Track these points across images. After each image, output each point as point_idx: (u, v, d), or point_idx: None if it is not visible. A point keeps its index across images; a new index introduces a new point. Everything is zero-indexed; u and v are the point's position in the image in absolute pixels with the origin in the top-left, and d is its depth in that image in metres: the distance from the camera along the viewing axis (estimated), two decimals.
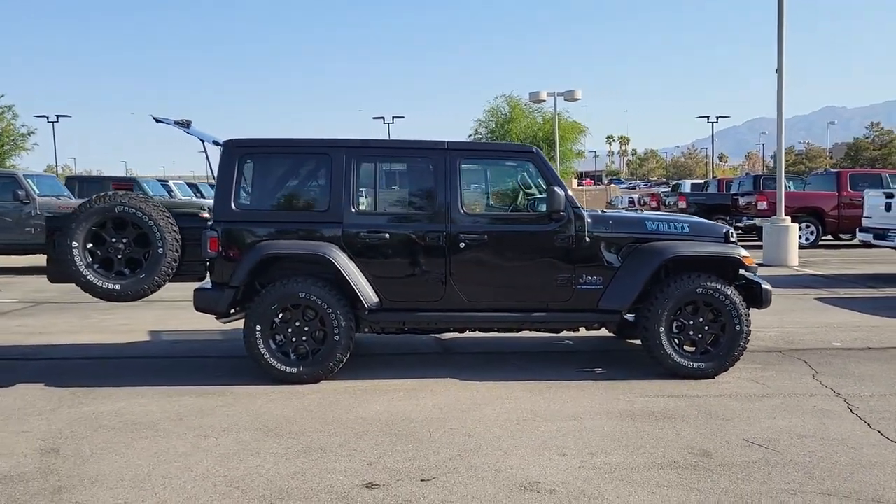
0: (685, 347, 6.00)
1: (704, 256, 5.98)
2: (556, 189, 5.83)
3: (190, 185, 22.63)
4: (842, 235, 19.72)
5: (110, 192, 5.80)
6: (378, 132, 49.11)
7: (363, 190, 6.02)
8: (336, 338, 5.77)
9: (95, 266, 5.73)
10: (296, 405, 5.30)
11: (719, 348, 5.95)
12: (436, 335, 7.50)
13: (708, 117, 47.47)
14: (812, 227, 18.51)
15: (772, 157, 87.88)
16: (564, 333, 7.37)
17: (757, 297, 6.07)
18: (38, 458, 4.29)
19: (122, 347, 7.35)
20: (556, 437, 4.60)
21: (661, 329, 5.90)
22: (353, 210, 5.90)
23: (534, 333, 6.92)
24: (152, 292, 5.87)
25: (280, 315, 5.81)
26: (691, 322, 5.97)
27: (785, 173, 16.29)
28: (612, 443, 4.50)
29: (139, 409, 5.22)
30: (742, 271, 6.20)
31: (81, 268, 5.65)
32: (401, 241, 5.91)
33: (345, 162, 5.91)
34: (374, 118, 47.65)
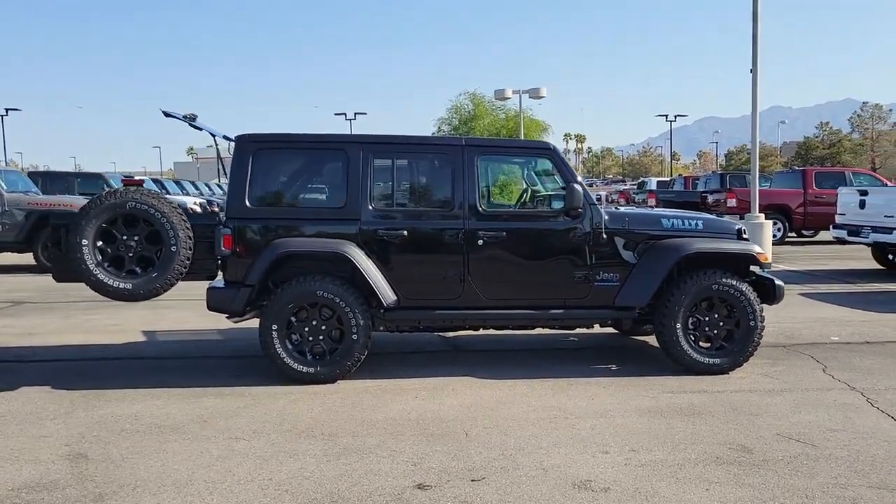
0: (700, 343, 6.04)
1: (722, 253, 6.04)
2: (576, 186, 5.82)
3: (155, 181, 22.14)
4: (805, 232, 20.18)
5: (121, 188, 5.61)
6: (339, 129, 48.68)
7: (380, 187, 5.92)
8: (354, 337, 5.68)
9: (105, 265, 5.54)
10: (320, 406, 5.20)
11: (734, 344, 6.01)
12: (440, 333, 7.44)
13: (666, 116, 48.19)
14: (779, 224, 18.88)
15: (725, 156, 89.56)
16: (566, 331, 7.41)
17: (769, 293, 6.14)
18: (67, 464, 4.13)
19: (119, 348, 7.14)
20: (592, 435, 4.59)
21: (678, 325, 5.94)
22: (371, 207, 5.81)
23: (540, 331, 6.91)
24: (164, 291, 5.70)
25: (296, 314, 5.70)
26: (706, 318, 6.02)
27: (737, 172, 16.57)
28: (650, 439, 4.51)
29: (159, 412, 5.07)
30: (753, 268, 6.27)
31: (91, 266, 5.46)
32: (419, 239, 5.84)
33: (361, 158, 5.82)
34: (336, 114, 47.23)
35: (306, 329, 5.72)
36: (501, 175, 6.52)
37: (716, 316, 6.03)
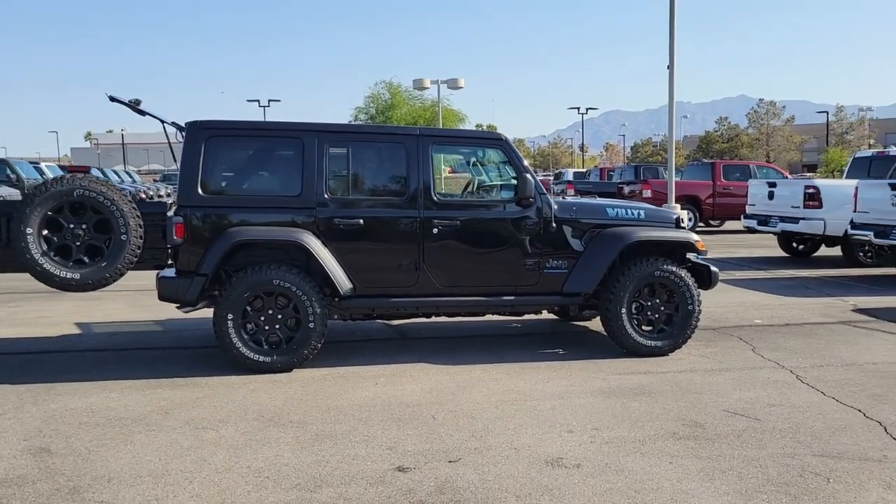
0: (643, 327, 6.33)
1: (664, 241, 6.33)
2: (528, 176, 6.00)
3: (62, 167, 21.21)
4: (712, 222, 21.13)
5: (67, 175, 5.43)
6: (253, 116, 47.65)
7: (336, 175, 5.94)
8: (311, 325, 5.70)
9: (52, 254, 5.36)
10: (282, 394, 5.20)
11: (673, 327, 6.33)
12: (385, 321, 7.50)
13: (578, 108, 49.35)
14: (690, 214, 19.70)
15: (631, 149, 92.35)
16: (510, 318, 7.61)
17: (705, 279, 6.49)
18: (31, 459, 4.02)
19: (56, 341, 6.91)
20: (554, 416, 4.77)
21: (623, 310, 6.20)
22: (327, 196, 5.82)
23: (487, 318, 7.09)
24: (114, 281, 5.56)
25: (251, 303, 5.67)
26: (648, 303, 6.31)
27: (650, 164, 17.24)
28: (609, 418, 4.72)
29: (115, 404, 4.96)
30: (690, 255, 6.60)
31: (37, 256, 5.28)
32: (374, 227, 5.89)
33: (317, 147, 5.82)
34: (249, 101, 46.24)
35: (262, 318, 5.69)
36: (453, 164, 6.61)
37: (657, 301, 6.32)
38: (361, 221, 5.85)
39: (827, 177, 43.66)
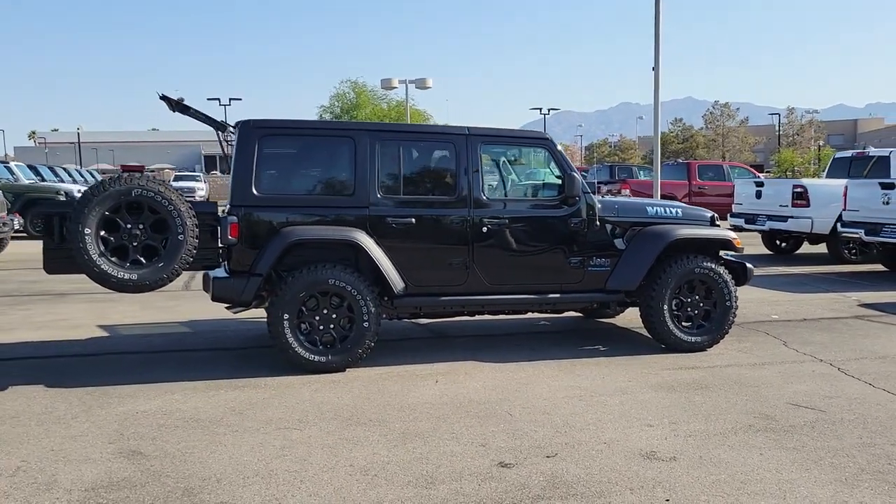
0: (682, 324, 6.46)
1: (704, 238, 6.47)
2: (575, 175, 6.08)
3: (30, 167, 20.63)
4: None
5: (124, 175, 5.33)
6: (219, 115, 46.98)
7: (387, 174, 5.93)
8: (365, 324, 5.69)
9: (108, 255, 5.26)
10: (347, 394, 5.19)
11: (712, 323, 6.47)
12: (413, 320, 7.51)
13: (541, 109, 49.77)
14: None
15: (586, 149, 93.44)
16: (536, 315, 7.66)
17: (741, 276, 6.65)
18: (126, 462, 3.95)
19: (87, 344, 6.76)
20: (626, 410, 4.85)
21: (665, 307, 6.32)
22: (379, 195, 5.82)
23: (508, 316, 7.12)
24: (170, 281, 5.48)
25: (306, 303, 5.64)
26: (688, 300, 6.45)
27: (624, 164, 17.54)
28: (681, 412, 4.82)
29: (183, 406, 4.89)
30: (723, 252, 6.75)
31: (95, 257, 5.17)
32: (426, 226, 5.91)
33: (369, 146, 5.82)
34: (209, 100, 45.60)
35: (317, 318, 5.67)
36: (501, 164, 6.66)
37: (696, 297, 6.46)
38: (413, 220, 5.87)
39: (779, 177, 44.81)
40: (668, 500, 3.53)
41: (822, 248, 13.81)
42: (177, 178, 43.36)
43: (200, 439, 4.29)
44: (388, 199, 5.86)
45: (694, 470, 3.88)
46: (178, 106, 6.03)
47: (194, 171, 49.21)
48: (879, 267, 12.42)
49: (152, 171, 49.53)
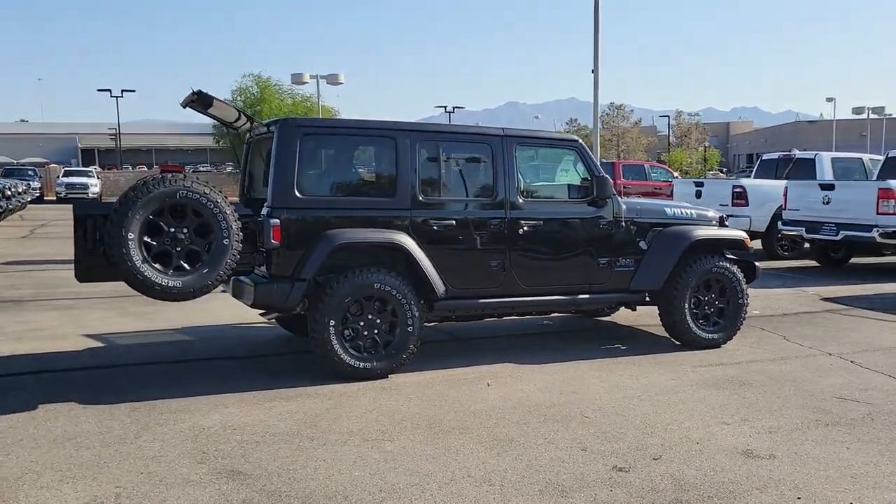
0: (700, 321, 6.65)
1: (723, 239, 6.69)
2: (606, 177, 6.16)
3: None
4: None
5: (167, 175, 4.99)
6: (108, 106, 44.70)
7: (428, 175, 5.81)
8: (409, 329, 5.57)
9: (151, 260, 4.92)
10: (409, 401, 5.06)
11: (727, 320, 6.70)
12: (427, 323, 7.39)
13: (445, 107, 50.05)
14: None
15: None
16: (538, 316, 7.67)
17: (750, 274, 6.91)
18: (233, 483, 3.71)
19: (86, 355, 6.31)
20: (694, 409, 4.95)
21: (686, 305, 6.50)
22: (420, 196, 5.71)
23: (509, 317, 7.11)
24: (213, 289, 5.18)
25: (351, 308, 5.47)
26: (705, 298, 6.65)
27: None
28: (744, 409, 4.94)
29: (248, 420, 4.64)
30: (728, 251, 6.99)
31: (138, 263, 4.82)
32: (465, 228, 5.84)
33: (409, 147, 5.69)
34: (100, 90, 43.31)
35: (361, 323, 5.50)
36: (534, 166, 6.66)
37: (712, 295, 6.67)
38: (454, 222, 5.79)
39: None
40: (799, 499, 3.63)
41: (755, 244, 14.52)
42: (66, 174, 40.96)
43: (293, 455, 4.08)
44: (428, 201, 5.75)
45: (800, 467, 4.00)
46: (203, 102, 5.69)
47: (85, 167, 46.47)
48: (810, 262, 13.18)
49: (22, 165, 46.25)
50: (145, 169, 57.92)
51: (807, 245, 13.25)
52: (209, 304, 8.19)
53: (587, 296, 6.32)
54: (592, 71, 15.91)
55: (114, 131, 58.33)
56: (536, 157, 6.60)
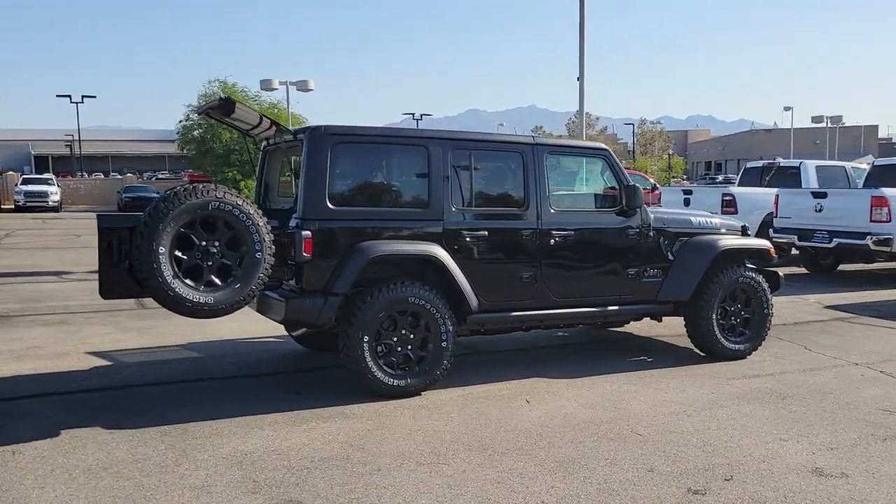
0: (726, 332, 6.55)
1: (749, 248, 6.60)
2: (636, 186, 6.03)
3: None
4: None
5: (199, 186, 4.71)
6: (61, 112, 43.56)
7: (460, 185, 5.62)
8: (444, 344, 5.37)
9: (182, 276, 4.65)
10: (452, 420, 4.85)
11: (752, 331, 6.61)
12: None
13: (413, 114, 49.85)
14: None
15: None
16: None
17: (774, 283, 6.84)
18: None
19: (96, 374, 5.98)
20: (746, 425, 4.81)
21: (714, 316, 6.39)
22: (453, 207, 5.51)
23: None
24: (245, 305, 4.92)
25: (384, 322, 5.25)
26: (731, 308, 6.55)
27: None
28: (797, 425, 4.82)
29: (291, 444, 4.39)
30: (750, 260, 6.92)
31: (169, 278, 4.54)
32: (497, 239, 5.66)
33: (442, 156, 5.50)
34: (59, 96, 42.24)
35: (395, 339, 5.28)
36: (562, 175, 6.50)
37: (738, 306, 6.58)
38: (486, 233, 5.61)
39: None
40: None
41: None
42: (24, 182, 39.85)
43: (350, 481, 3.85)
44: (461, 212, 5.56)
45: (876, 485, 3.88)
46: (225, 109, 5.43)
47: (42, 175, 45.22)
48: (799, 269, 13.25)
49: None
50: (102, 176, 56.72)
51: (795, 252, 13.31)
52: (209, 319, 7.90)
53: (616, 307, 6.17)
54: (578, 79, 15.84)
55: (70, 138, 56.96)
56: (564, 166, 6.43)
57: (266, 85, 32.79)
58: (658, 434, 4.63)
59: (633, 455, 4.27)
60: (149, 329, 7.74)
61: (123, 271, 4.77)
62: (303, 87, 33.02)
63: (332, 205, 5.17)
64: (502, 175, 5.93)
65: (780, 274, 6.92)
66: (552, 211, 5.83)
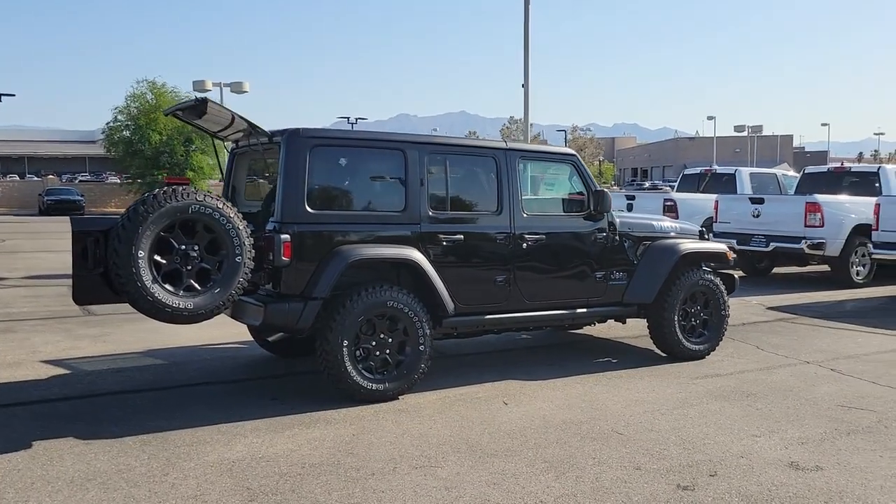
0: (686, 333, 6.75)
1: (708, 252, 6.82)
2: (605, 191, 6.17)
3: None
4: None
5: (179, 188, 4.60)
6: None
7: (436, 189, 5.64)
8: (421, 347, 5.38)
9: (160, 280, 4.54)
10: (435, 423, 4.86)
11: (710, 331, 6.83)
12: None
13: (348, 118, 49.55)
14: None
15: None
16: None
17: (730, 285, 7.08)
18: None
19: (56, 384, 5.77)
20: (718, 422, 4.97)
21: (676, 318, 6.58)
22: (430, 211, 5.54)
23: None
24: (224, 310, 4.83)
25: (363, 327, 5.23)
26: (691, 310, 6.76)
27: None
28: (765, 421, 5.00)
29: (276, 450, 4.33)
30: (707, 263, 7.14)
31: (148, 283, 4.43)
32: (472, 243, 5.71)
33: (419, 159, 5.52)
34: None
35: (373, 343, 5.27)
36: (530, 180, 6.57)
37: (697, 307, 6.79)
38: (462, 237, 5.65)
39: None
40: None
41: None
42: None
43: (347, 486, 3.83)
44: (437, 215, 5.58)
45: (850, 477, 4.06)
46: (198, 111, 5.33)
47: None
48: (736, 272, 13.71)
49: None
50: (17, 178, 54.62)
51: (733, 255, 13.77)
52: (160, 325, 7.69)
53: (585, 310, 6.30)
54: (522, 85, 16.06)
55: None
56: (534, 170, 6.52)
57: (199, 86, 32.26)
58: (637, 433, 4.74)
59: (619, 454, 4.36)
60: (102, 336, 7.50)
61: (98, 276, 4.62)
62: (237, 88, 32.63)
63: (311, 208, 5.13)
64: (477, 179, 5.98)
65: (736, 276, 7.17)
66: (524, 215, 5.91)
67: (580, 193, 6.34)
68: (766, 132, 66.78)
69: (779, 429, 4.87)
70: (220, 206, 4.67)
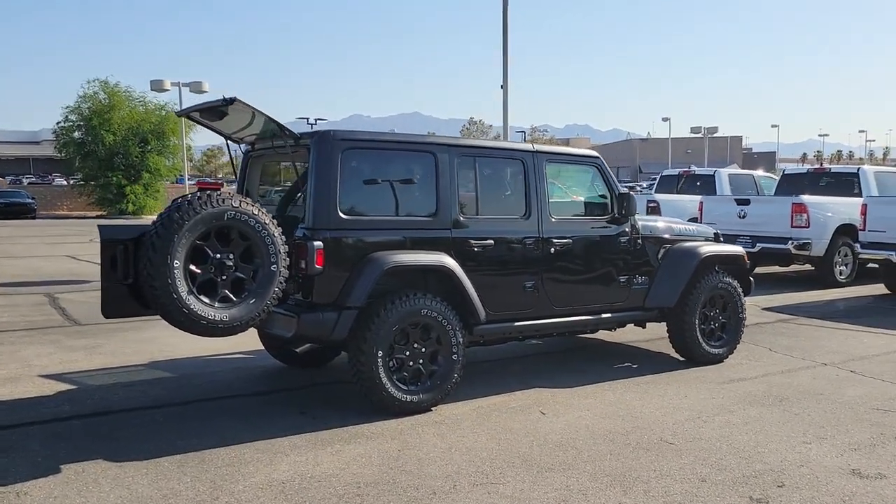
0: (706, 337, 6.68)
1: (726, 254, 6.76)
2: (630, 193, 6.07)
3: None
4: None
5: (213, 193, 4.33)
6: None
7: (466, 193, 5.47)
8: (454, 356, 5.20)
9: (196, 291, 4.27)
10: (479, 436, 4.68)
11: (728, 335, 6.78)
12: None
13: (307, 119, 49.01)
14: None
15: None
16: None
17: (746, 288, 7.04)
18: None
19: (64, 399, 5.44)
20: (763, 429, 4.88)
21: (696, 321, 6.51)
22: (461, 215, 5.36)
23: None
24: (260, 321, 4.58)
25: (397, 336, 5.04)
26: (711, 313, 6.70)
27: None
28: (810, 427, 4.92)
29: (324, 470, 4.11)
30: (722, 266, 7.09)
31: (183, 295, 4.16)
32: (502, 248, 5.55)
33: (449, 163, 5.34)
34: None
35: (407, 353, 5.08)
36: (558, 183, 6.43)
37: (716, 311, 6.73)
38: (492, 242, 5.49)
39: None
40: None
41: None
42: None
43: None
44: (468, 220, 5.41)
45: None
46: (219, 112, 5.06)
47: None
48: None
49: None
50: None
51: None
52: (154, 335, 7.45)
53: (609, 315, 6.19)
54: (501, 86, 15.99)
55: None
56: (560, 174, 6.38)
57: (157, 86, 31.44)
58: (686, 442, 4.63)
59: (677, 464, 4.24)
60: (96, 347, 7.15)
61: (127, 287, 4.34)
62: (196, 88, 31.88)
63: (343, 214, 4.91)
64: (505, 183, 5.82)
65: (752, 279, 7.13)
66: (552, 219, 5.78)
67: (604, 196, 6.22)
68: (717, 134, 68.06)
69: (826, 435, 4.81)
70: (256, 212, 4.43)
